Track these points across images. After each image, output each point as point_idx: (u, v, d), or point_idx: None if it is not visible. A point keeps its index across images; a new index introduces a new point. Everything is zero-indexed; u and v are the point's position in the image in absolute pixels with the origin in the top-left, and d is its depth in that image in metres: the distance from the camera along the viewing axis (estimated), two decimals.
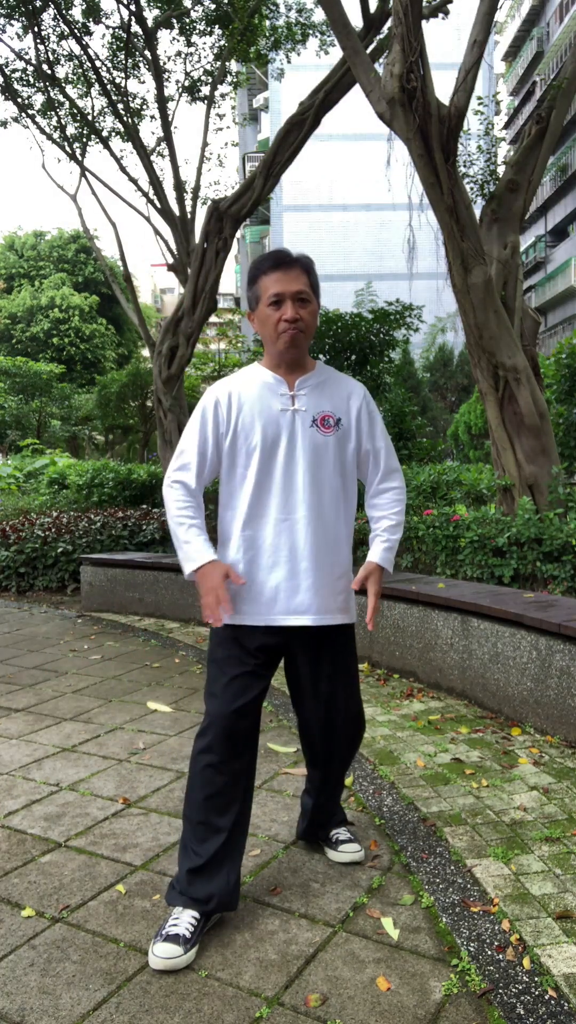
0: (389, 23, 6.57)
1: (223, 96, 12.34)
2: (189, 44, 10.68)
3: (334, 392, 2.21)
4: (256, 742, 2.18)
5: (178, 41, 13.51)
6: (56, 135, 11.03)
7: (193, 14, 10.34)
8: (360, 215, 32.71)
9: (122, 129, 10.71)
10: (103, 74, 10.38)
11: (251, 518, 2.13)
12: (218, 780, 2.07)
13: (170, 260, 10.25)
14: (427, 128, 5.29)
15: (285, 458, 2.12)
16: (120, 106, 10.37)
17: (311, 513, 2.12)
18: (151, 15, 10.24)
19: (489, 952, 1.96)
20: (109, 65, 10.62)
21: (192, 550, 2.08)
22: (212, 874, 2.05)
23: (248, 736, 2.13)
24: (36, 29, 10.00)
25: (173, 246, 10.14)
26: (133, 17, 9.62)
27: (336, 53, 10.63)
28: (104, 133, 11.05)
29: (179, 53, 10.85)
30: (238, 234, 13.34)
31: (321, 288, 2.21)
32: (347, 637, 2.27)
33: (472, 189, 6.22)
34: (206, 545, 2.09)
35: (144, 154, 10.03)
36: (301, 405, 2.15)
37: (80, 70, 10.59)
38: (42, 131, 10.94)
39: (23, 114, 10.85)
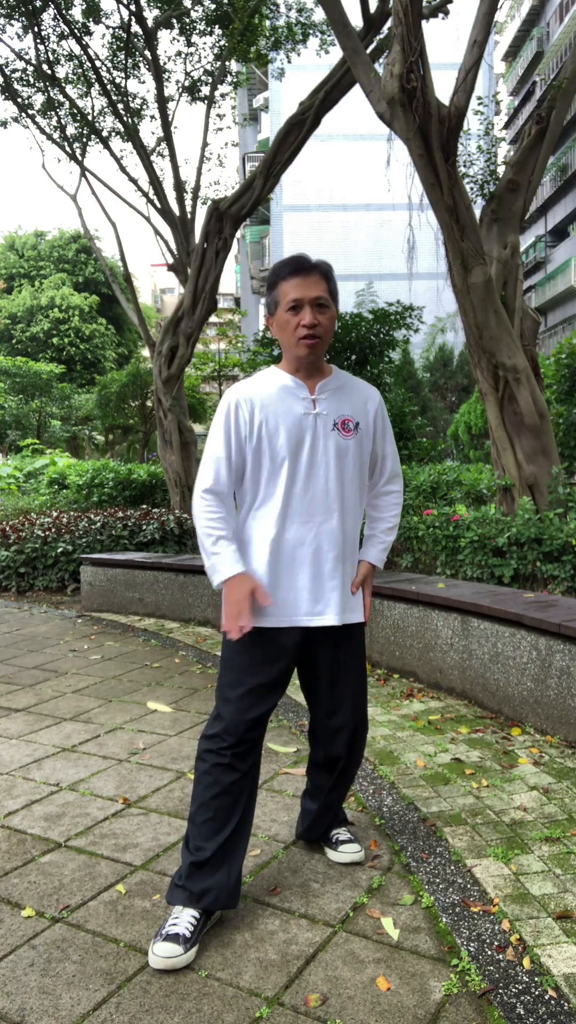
0: (389, 23, 6.56)
1: (223, 96, 12.34)
2: (189, 44, 10.67)
3: (353, 396, 2.24)
4: (262, 743, 2.20)
5: (178, 41, 13.52)
6: (56, 135, 11.03)
7: (193, 14, 10.33)
8: (360, 215, 32.69)
9: (122, 129, 10.71)
10: (103, 74, 10.38)
11: (276, 521, 2.13)
12: (225, 779, 2.09)
13: (170, 260, 10.25)
14: (427, 128, 5.29)
15: (308, 461, 2.14)
16: (120, 106, 10.36)
17: (335, 515, 2.16)
18: (151, 15, 10.24)
19: (489, 952, 1.96)
20: (109, 65, 10.61)
21: (220, 561, 2.08)
22: (213, 870, 2.06)
23: (258, 740, 2.16)
24: (36, 29, 10.00)
25: (173, 246, 10.14)
26: (133, 17, 9.62)
27: (336, 53, 10.63)
28: (104, 133, 11.04)
29: (179, 53, 10.84)
30: (238, 234, 13.35)
31: None
32: (361, 635, 2.32)
33: (472, 189, 6.22)
34: (234, 557, 2.08)
35: (144, 154, 10.03)
36: (322, 409, 2.17)
37: (80, 70, 10.59)
38: (42, 131, 10.93)
39: (23, 114, 10.84)
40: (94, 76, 10.02)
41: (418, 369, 24.50)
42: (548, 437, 5.82)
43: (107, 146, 10.65)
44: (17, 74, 10.65)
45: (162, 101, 9.81)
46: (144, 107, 11.12)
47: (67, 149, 11.03)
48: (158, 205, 10.12)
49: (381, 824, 2.67)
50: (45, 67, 10.33)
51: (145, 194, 10.54)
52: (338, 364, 10.19)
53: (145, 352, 32.56)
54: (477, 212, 5.94)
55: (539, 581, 5.15)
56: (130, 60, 10.40)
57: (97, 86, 10.22)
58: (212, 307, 9.30)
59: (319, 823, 2.45)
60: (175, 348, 9.40)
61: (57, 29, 10.28)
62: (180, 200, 9.99)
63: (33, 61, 10.35)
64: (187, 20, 10.39)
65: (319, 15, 10.54)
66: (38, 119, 11.03)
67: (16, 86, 10.67)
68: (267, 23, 10.70)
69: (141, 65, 10.61)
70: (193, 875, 2.05)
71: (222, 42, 10.49)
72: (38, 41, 10.12)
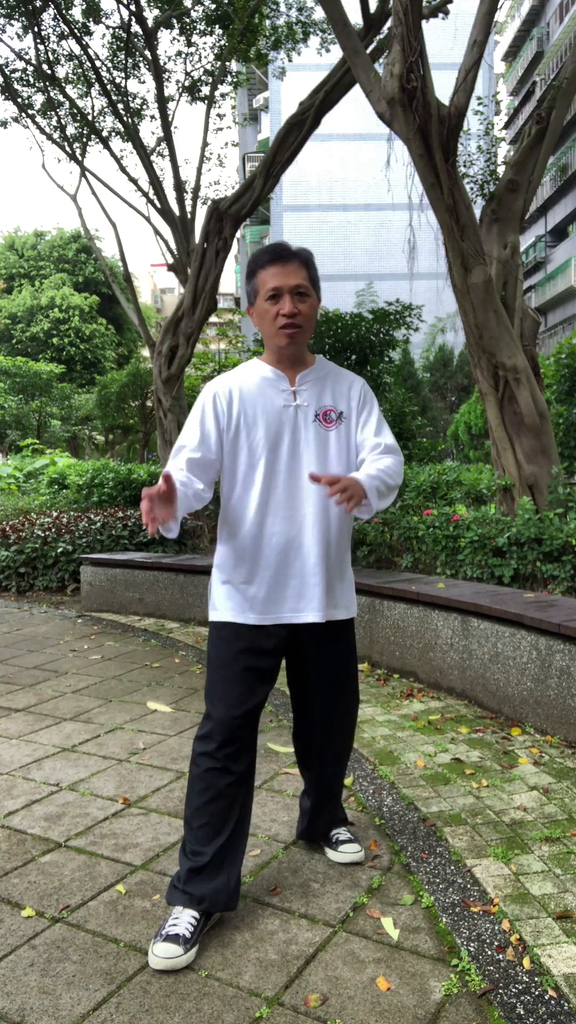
0: (389, 23, 6.56)
1: (223, 96, 12.34)
2: (189, 44, 10.68)
3: (335, 386, 2.18)
4: (256, 744, 2.18)
5: (178, 41, 13.53)
6: (56, 135, 11.04)
7: (193, 14, 10.34)
8: (360, 215, 32.71)
9: (122, 129, 10.72)
10: (103, 74, 10.38)
11: (257, 515, 2.09)
12: (220, 783, 2.06)
13: (170, 260, 10.25)
14: (427, 128, 5.29)
15: (289, 454, 2.09)
16: (120, 106, 10.37)
17: (317, 509, 2.10)
18: (151, 15, 10.24)
19: (489, 952, 1.96)
20: (109, 65, 10.62)
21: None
22: (213, 874, 2.04)
23: (250, 739, 2.13)
24: (36, 29, 10.00)
25: (173, 246, 10.14)
26: (133, 17, 9.62)
27: (336, 53, 10.63)
28: (104, 133, 11.05)
29: (179, 53, 10.85)
30: (238, 234, 13.34)
31: (322, 288, 2.18)
32: (350, 632, 2.28)
33: (472, 189, 6.22)
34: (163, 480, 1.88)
35: (144, 154, 10.03)
36: (303, 400, 2.12)
37: (80, 70, 10.59)
38: (42, 131, 10.94)
39: (23, 114, 10.85)
40: (94, 76, 10.02)
41: (418, 369, 24.50)
42: (548, 437, 5.82)
43: (107, 146, 10.65)
44: (17, 74, 10.66)
45: (162, 101, 9.81)
46: (144, 107, 11.13)
47: (67, 149, 11.04)
48: (158, 205, 10.13)
49: (381, 824, 2.67)
50: (45, 67, 10.34)
51: (145, 194, 10.55)
52: (338, 364, 10.15)
53: (145, 352, 32.54)
54: (477, 212, 5.94)
55: (539, 581, 5.15)
56: (130, 60, 10.40)
57: (97, 86, 10.23)
58: (212, 307, 9.30)
59: (318, 822, 2.44)
60: (175, 348, 9.40)
61: (57, 29, 10.30)
62: (180, 200, 9.99)
63: (33, 61, 10.35)
64: (187, 20, 10.39)
65: (319, 14, 10.54)
66: (38, 119, 11.05)
67: (16, 86, 10.68)
68: (267, 22, 10.70)
69: (141, 65, 10.61)
70: (192, 880, 2.04)
71: (222, 42, 10.49)
72: (38, 41, 10.13)
